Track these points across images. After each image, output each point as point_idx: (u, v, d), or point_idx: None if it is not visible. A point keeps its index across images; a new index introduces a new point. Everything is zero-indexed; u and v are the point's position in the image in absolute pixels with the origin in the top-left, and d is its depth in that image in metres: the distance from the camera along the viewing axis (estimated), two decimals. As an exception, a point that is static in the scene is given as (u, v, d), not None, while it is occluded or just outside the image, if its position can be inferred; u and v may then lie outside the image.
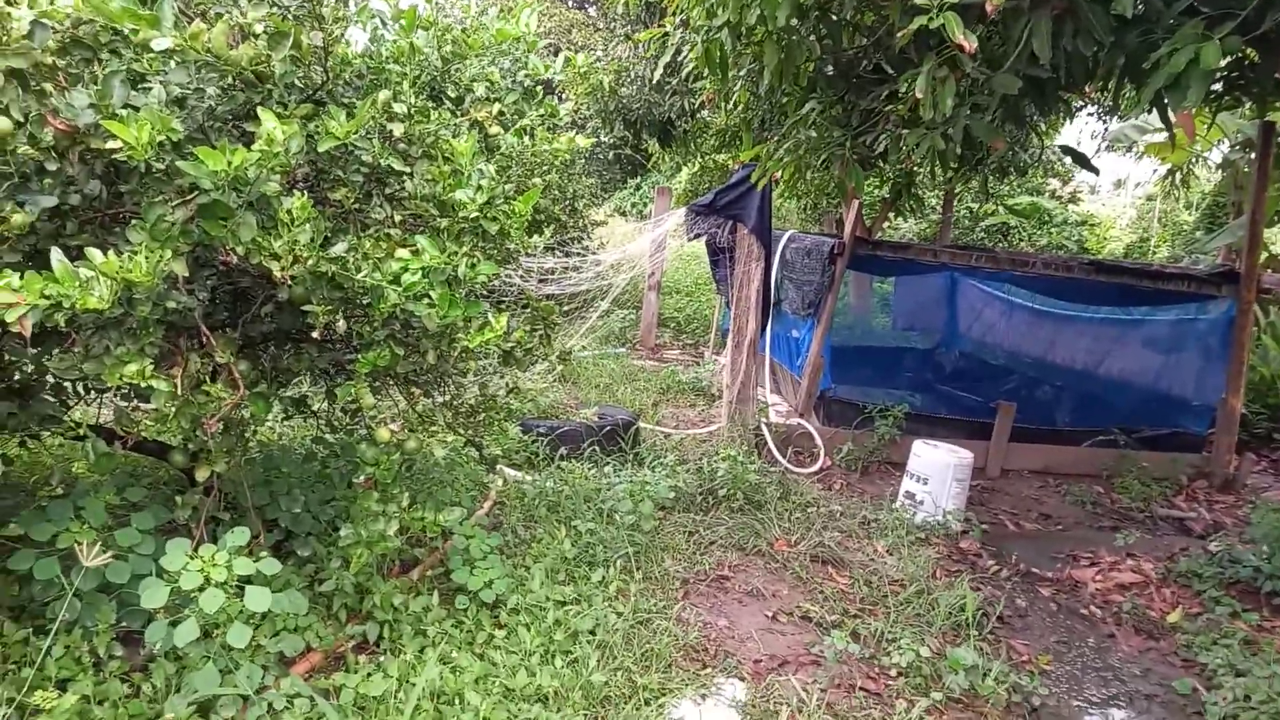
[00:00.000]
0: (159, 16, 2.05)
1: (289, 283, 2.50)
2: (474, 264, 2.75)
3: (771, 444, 6.67)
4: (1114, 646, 4.18)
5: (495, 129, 3.12)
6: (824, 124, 4.74)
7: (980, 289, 9.78)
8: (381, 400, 3.12)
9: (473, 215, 2.74)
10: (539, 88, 3.48)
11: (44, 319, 2.09)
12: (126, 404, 2.88)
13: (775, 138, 5.15)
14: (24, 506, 2.81)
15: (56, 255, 2.11)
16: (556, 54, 3.45)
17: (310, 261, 2.44)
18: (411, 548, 3.60)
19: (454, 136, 2.86)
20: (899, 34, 3.47)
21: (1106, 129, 11.64)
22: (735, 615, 4.12)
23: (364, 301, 2.70)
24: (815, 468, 6.61)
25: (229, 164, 2.17)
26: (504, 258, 3.37)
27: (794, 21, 4.02)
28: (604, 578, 4.09)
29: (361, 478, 3.12)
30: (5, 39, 1.98)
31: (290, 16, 2.41)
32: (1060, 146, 6.57)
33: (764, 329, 7.08)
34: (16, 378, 2.67)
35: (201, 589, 2.63)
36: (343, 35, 2.69)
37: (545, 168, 3.57)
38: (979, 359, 9.89)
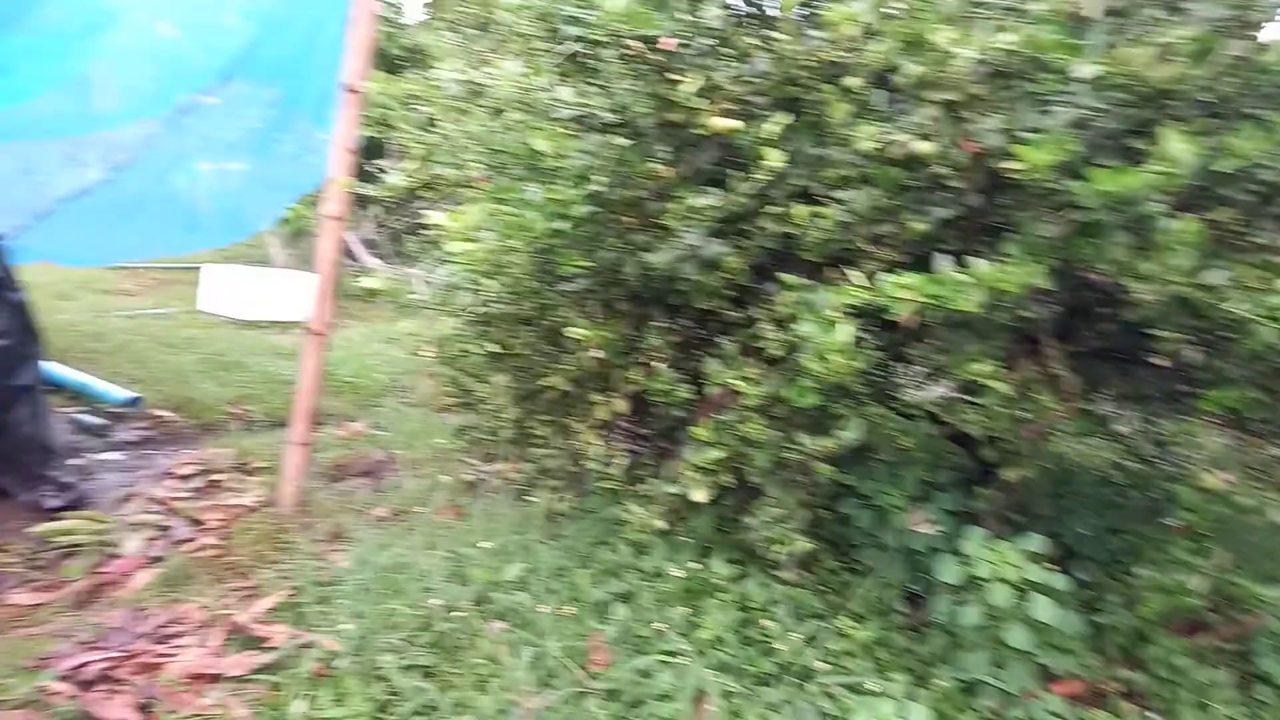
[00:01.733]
0: (1084, 45, 2.13)
1: (1146, 305, 2.39)
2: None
3: None
4: None
5: None
6: None
7: None
8: (1211, 441, 2.80)
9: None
10: None
11: (921, 314, 2.42)
12: (955, 395, 3.16)
13: None
14: (857, 463, 3.34)
15: (942, 261, 2.42)
16: None
17: (1178, 287, 2.29)
18: (1206, 611, 3.19)
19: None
20: None
21: None
22: None
23: (1224, 334, 2.43)
24: None
25: (1119, 184, 2.15)
26: None
27: None
28: None
29: (1173, 521, 2.87)
30: (946, 75, 2.30)
31: (1217, 28, 2.24)
32: None
33: None
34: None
35: (992, 581, 2.78)
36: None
37: None
38: None
